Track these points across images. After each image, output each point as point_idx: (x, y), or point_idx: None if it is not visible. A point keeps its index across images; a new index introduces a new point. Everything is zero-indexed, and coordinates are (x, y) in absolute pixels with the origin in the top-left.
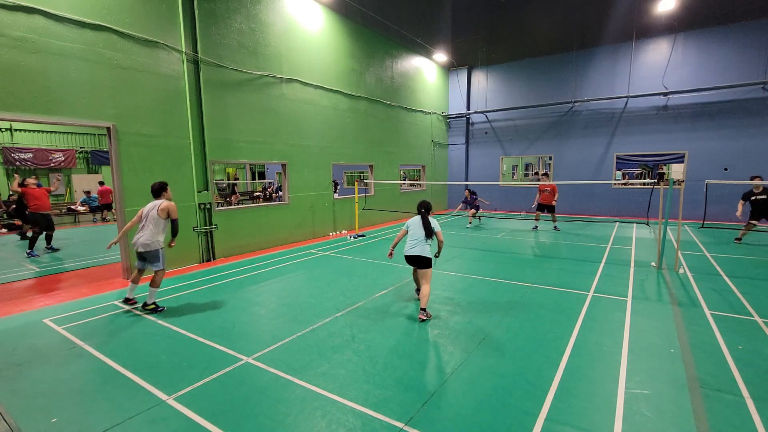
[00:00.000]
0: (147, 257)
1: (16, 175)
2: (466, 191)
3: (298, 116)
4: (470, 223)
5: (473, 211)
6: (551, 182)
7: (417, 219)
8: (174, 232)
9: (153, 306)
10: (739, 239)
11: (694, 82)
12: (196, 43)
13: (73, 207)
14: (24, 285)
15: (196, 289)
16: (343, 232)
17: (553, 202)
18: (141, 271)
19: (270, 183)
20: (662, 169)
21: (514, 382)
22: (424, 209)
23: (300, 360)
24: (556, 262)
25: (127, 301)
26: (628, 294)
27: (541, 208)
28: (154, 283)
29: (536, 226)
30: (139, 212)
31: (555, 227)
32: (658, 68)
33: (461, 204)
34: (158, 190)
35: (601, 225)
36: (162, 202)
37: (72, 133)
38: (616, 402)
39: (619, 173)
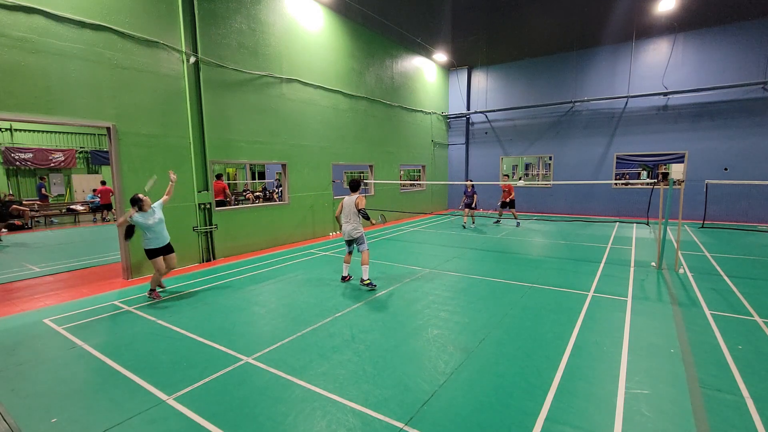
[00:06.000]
0: (355, 241)
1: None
2: (468, 184)
3: (298, 116)
4: (465, 223)
5: (467, 210)
6: (509, 183)
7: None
8: (365, 217)
9: (368, 281)
10: None
11: (694, 82)
12: (196, 43)
13: (72, 207)
14: (24, 285)
15: (196, 289)
16: None
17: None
18: (350, 253)
19: (275, 182)
20: (663, 168)
21: (514, 382)
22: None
23: (300, 360)
24: (556, 262)
25: (343, 279)
26: (628, 294)
27: (504, 205)
28: (365, 261)
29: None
30: (340, 205)
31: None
32: (658, 68)
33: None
34: (358, 185)
35: (601, 225)
36: (358, 196)
37: (72, 133)
38: (616, 402)
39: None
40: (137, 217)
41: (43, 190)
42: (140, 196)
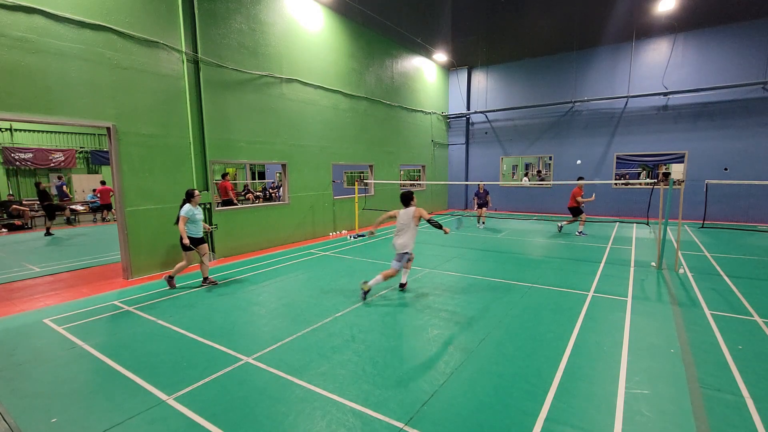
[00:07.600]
0: (403, 256)
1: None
2: (480, 185)
3: (298, 116)
4: (482, 223)
5: (483, 210)
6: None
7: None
8: (436, 226)
9: (368, 289)
10: None
11: (694, 82)
12: (196, 43)
13: (72, 207)
14: (24, 285)
15: (196, 289)
16: (343, 232)
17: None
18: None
19: (272, 182)
20: (663, 168)
21: (514, 382)
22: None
23: (300, 360)
24: (556, 262)
25: (401, 286)
26: (628, 294)
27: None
28: (385, 273)
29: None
30: (387, 214)
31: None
32: (658, 68)
33: (474, 197)
34: (407, 199)
35: (601, 225)
36: (416, 208)
37: (72, 133)
38: (616, 402)
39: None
40: (188, 208)
41: (64, 188)
42: (195, 191)
